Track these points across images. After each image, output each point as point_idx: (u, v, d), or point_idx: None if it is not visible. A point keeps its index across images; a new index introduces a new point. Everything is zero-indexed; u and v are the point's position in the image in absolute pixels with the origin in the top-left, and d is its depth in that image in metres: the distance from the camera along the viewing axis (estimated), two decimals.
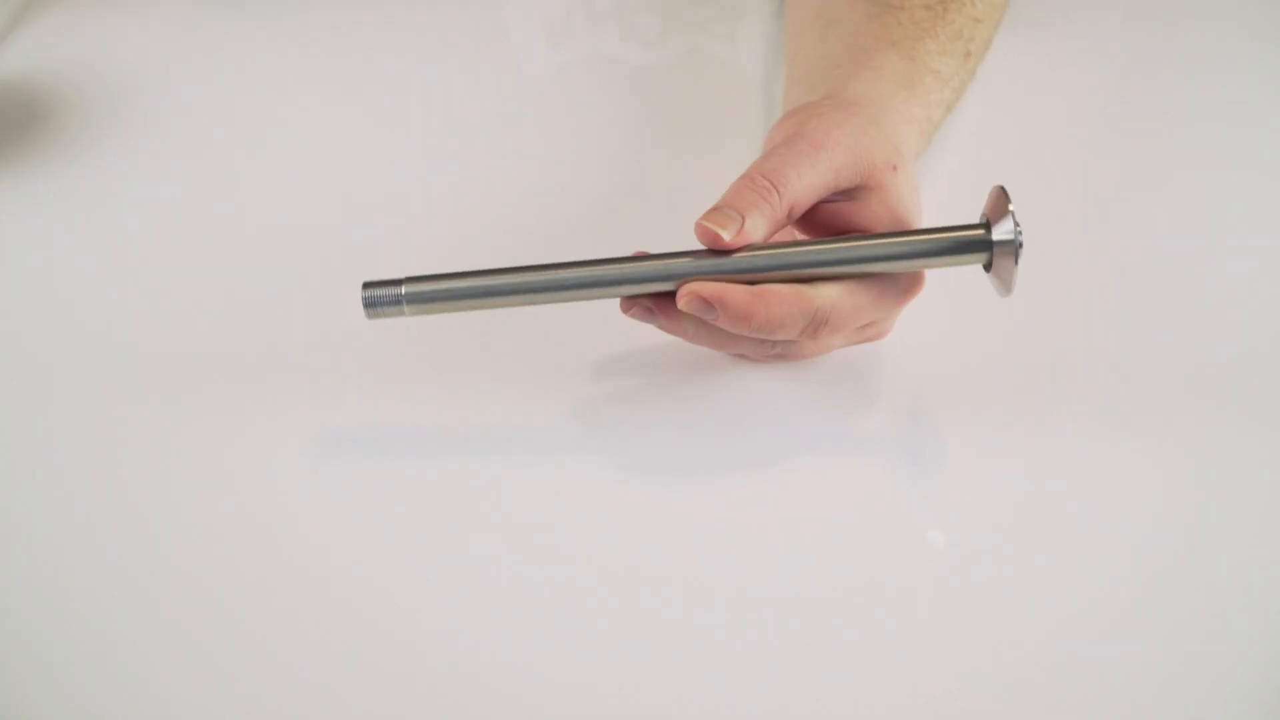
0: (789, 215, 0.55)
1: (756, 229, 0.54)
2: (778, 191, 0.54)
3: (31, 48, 0.78)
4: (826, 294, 0.54)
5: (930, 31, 0.65)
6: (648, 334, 0.59)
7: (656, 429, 0.59)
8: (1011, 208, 0.54)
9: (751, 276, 0.54)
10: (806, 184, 0.55)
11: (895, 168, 0.57)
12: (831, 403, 0.60)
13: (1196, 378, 0.61)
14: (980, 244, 0.54)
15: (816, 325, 0.54)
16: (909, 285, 0.57)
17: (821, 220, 0.58)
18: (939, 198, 0.66)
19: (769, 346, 0.57)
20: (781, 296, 0.54)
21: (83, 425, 0.59)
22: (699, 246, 0.55)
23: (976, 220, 0.55)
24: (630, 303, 0.55)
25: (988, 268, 0.55)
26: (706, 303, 0.54)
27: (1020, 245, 0.54)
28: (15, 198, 0.70)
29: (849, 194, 0.57)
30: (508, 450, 0.58)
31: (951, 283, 0.61)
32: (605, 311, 0.58)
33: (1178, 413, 0.59)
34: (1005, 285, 0.55)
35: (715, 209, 0.54)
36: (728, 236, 0.54)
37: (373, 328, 0.60)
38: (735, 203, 0.54)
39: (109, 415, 0.60)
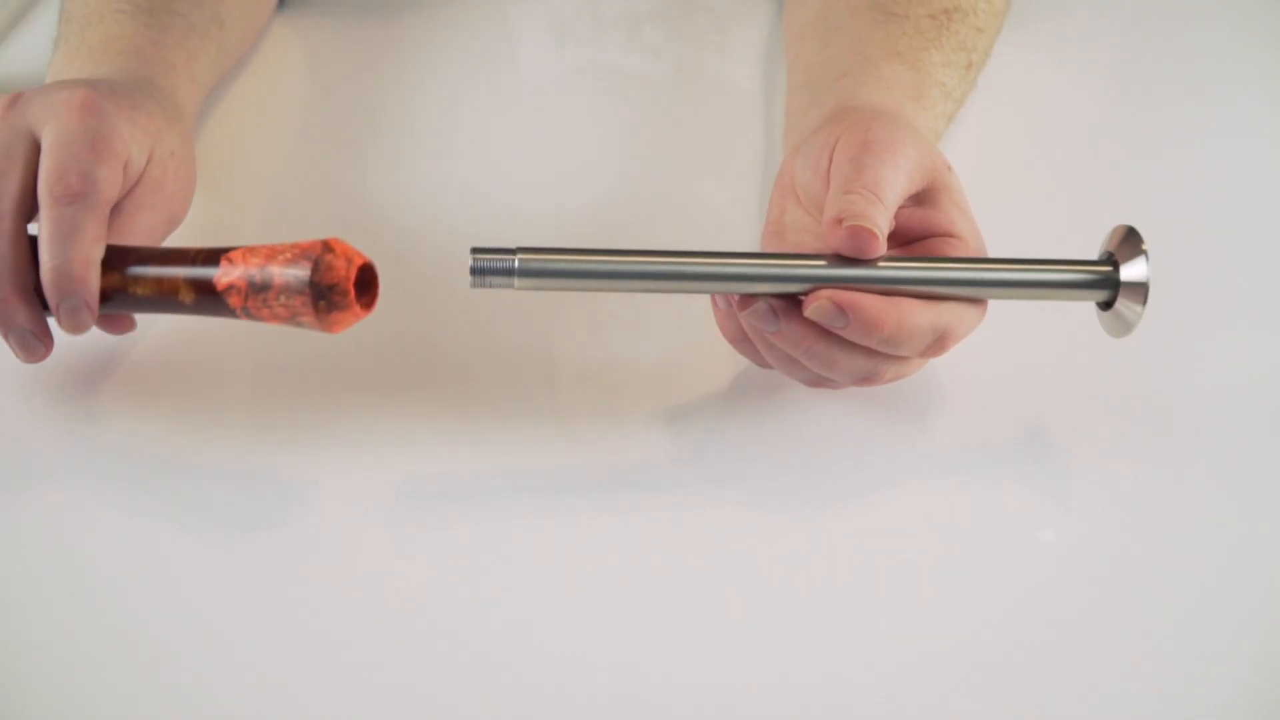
0: (891, 226, 0.55)
1: (884, 240, 0.53)
2: (884, 204, 0.53)
3: (31, 48, 0.78)
4: (951, 308, 0.53)
5: (935, 42, 0.65)
6: (675, 343, 0.58)
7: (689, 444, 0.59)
8: (1145, 248, 0.53)
9: (886, 289, 0.53)
10: (896, 193, 0.54)
11: (949, 167, 0.57)
12: (843, 412, 0.60)
13: (1196, 379, 0.61)
14: (1109, 283, 0.54)
15: (944, 341, 0.53)
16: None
17: (900, 227, 0.56)
18: None
19: (882, 363, 0.54)
20: (915, 306, 0.52)
21: (84, 426, 0.59)
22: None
23: (1098, 257, 0.55)
24: (750, 301, 0.53)
25: (1104, 306, 0.55)
26: (840, 309, 0.52)
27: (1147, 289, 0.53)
28: None
29: (918, 198, 0.56)
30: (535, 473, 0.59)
31: None
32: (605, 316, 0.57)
33: (1176, 413, 0.59)
34: (1126, 326, 0.54)
35: (850, 217, 0.52)
36: (881, 239, 0.52)
37: (373, 327, 0.60)
38: (862, 212, 0.53)
39: (110, 415, 0.60)
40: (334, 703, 0.50)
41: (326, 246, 0.52)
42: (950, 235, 0.55)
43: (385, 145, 0.73)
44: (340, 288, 0.52)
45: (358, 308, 0.53)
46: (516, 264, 0.53)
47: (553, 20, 0.80)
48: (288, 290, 0.52)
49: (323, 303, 0.52)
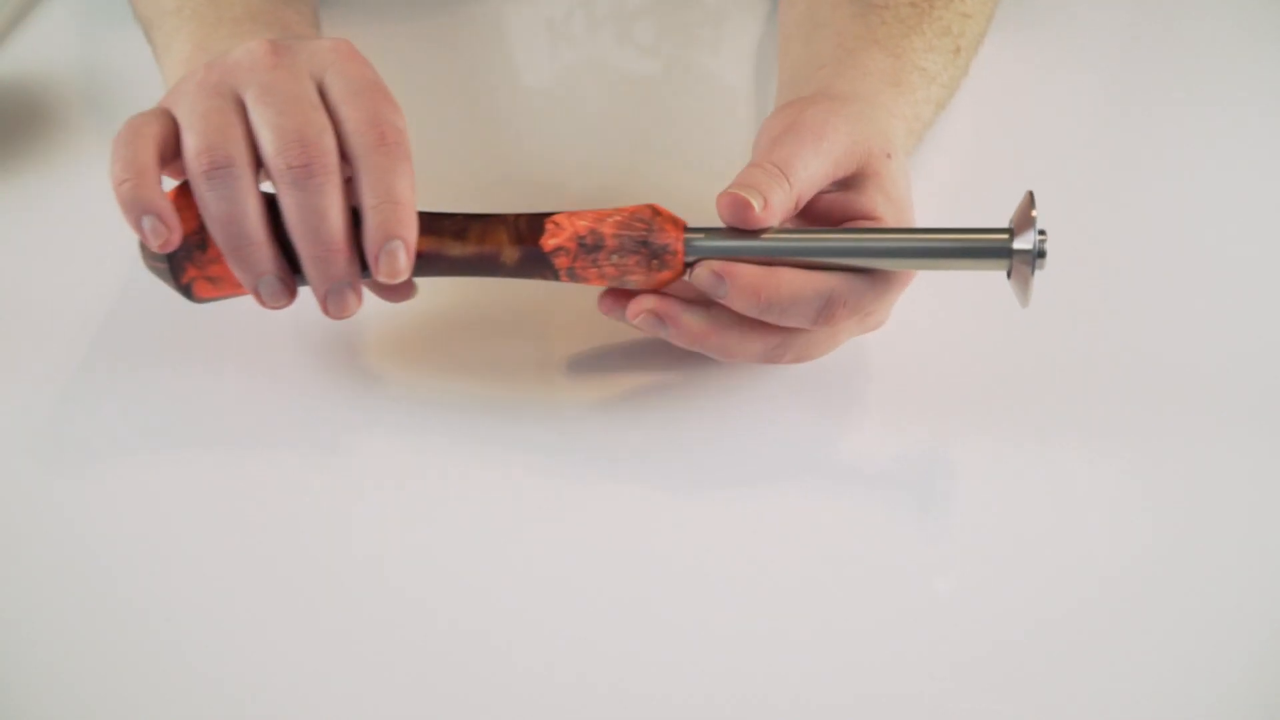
0: (796, 205, 0.55)
1: (775, 212, 0.54)
2: (789, 180, 0.54)
3: (31, 48, 0.79)
4: (836, 275, 0.54)
5: (916, 29, 0.64)
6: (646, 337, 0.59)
7: (657, 431, 0.59)
8: (1035, 213, 0.53)
9: (772, 259, 0.54)
10: (811, 174, 0.55)
11: (890, 155, 0.57)
12: (826, 406, 0.60)
13: (1194, 379, 0.61)
14: (1000, 250, 0.54)
15: (831, 308, 0.54)
16: (905, 274, 0.56)
17: (821, 210, 0.57)
18: (937, 199, 0.66)
19: (780, 344, 0.56)
20: (794, 274, 0.53)
21: (83, 427, 0.60)
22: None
23: (1004, 225, 0.55)
24: (638, 312, 0.55)
25: (1009, 275, 0.55)
26: (717, 276, 0.53)
27: (1039, 255, 0.53)
28: (15, 198, 0.70)
29: (845, 183, 0.57)
30: (498, 450, 0.59)
31: (944, 286, 0.61)
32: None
33: (1175, 414, 0.59)
34: (1022, 295, 0.54)
35: (736, 186, 0.54)
36: (757, 208, 0.53)
37: (365, 319, 0.60)
38: (755, 183, 0.54)
39: (111, 417, 0.60)
40: (326, 690, 0.51)
41: (655, 210, 0.55)
42: (870, 218, 0.56)
43: None
44: (671, 248, 0.55)
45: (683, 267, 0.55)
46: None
47: (546, 19, 0.80)
48: (621, 251, 0.55)
49: (655, 262, 0.55)
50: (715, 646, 0.52)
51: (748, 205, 0.53)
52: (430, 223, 0.56)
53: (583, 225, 0.55)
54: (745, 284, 0.53)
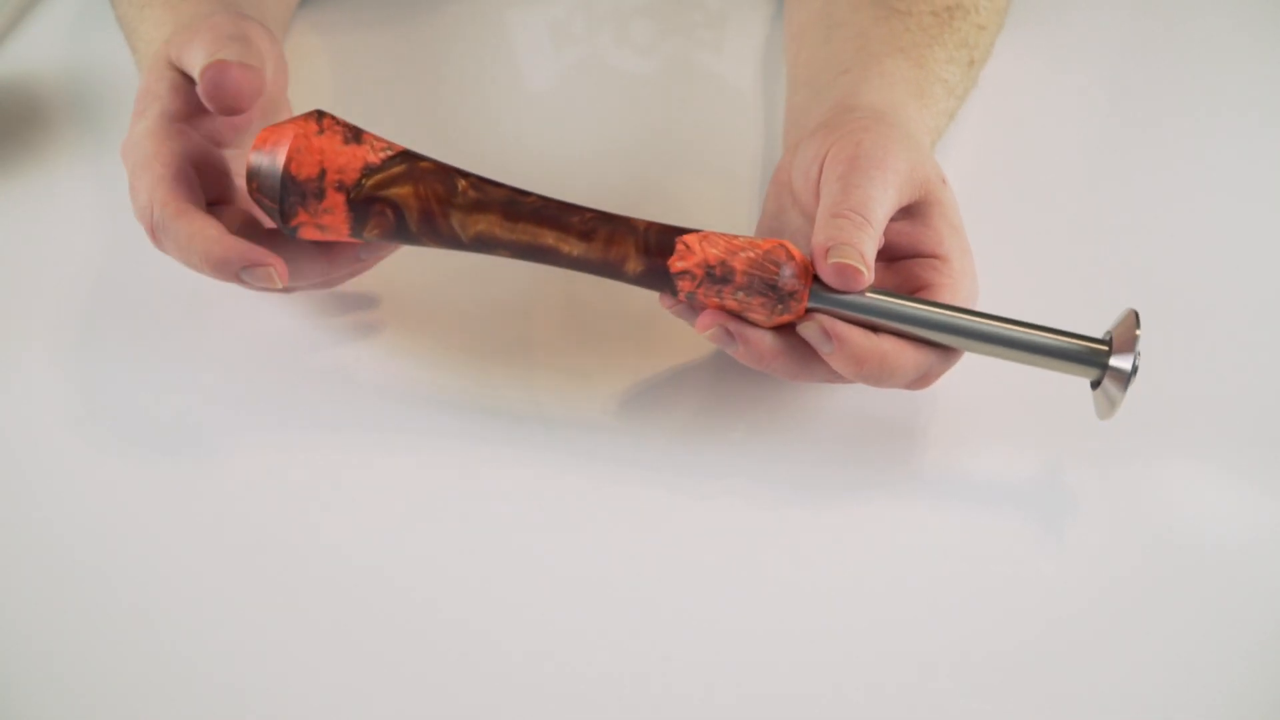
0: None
1: (872, 267, 0.53)
2: (873, 227, 0.53)
3: (31, 48, 0.78)
4: (936, 353, 0.54)
5: (938, 39, 0.64)
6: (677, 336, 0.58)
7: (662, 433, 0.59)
8: (1139, 333, 0.53)
9: (879, 322, 0.54)
10: (886, 212, 0.54)
11: (944, 181, 0.57)
12: (834, 415, 0.60)
13: (1196, 383, 0.61)
14: (1097, 363, 0.53)
15: (925, 381, 0.54)
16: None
17: (889, 243, 0.57)
18: None
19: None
20: (897, 347, 0.53)
21: (78, 425, 0.59)
22: None
23: (1102, 335, 0.54)
24: (709, 323, 0.54)
25: (1095, 385, 0.54)
26: (826, 335, 0.53)
27: (1133, 375, 0.53)
28: (15, 198, 0.70)
29: (908, 210, 0.57)
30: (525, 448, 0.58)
31: None
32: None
33: (1173, 413, 0.59)
34: (1109, 408, 0.54)
35: (836, 249, 0.53)
36: (866, 276, 0.53)
37: (360, 321, 0.60)
38: (851, 241, 0.53)
39: (106, 415, 0.60)
40: (321, 688, 0.51)
41: (788, 252, 0.54)
42: (936, 257, 0.56)
43: None
44: (798, 296, 0.53)
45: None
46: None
47: (549, 20, 0.80)
48: (749, 289, 0.53)
49: (779, 306, 0.53)
50: (724, 650, 0.52)
51: (858, 274, 0.52)
52: (557, 214, 0.55)
53: (714, 255, 0.54)
54: (852, 352, 0.53)
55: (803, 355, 0.54)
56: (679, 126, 0.74)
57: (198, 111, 0.59)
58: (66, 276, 0.66)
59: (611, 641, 0.53)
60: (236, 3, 0.64)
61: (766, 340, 0.54)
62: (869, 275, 0.53)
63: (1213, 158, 0.72)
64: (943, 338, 0.54)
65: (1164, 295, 0.64)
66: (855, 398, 0.60)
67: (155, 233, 0.56)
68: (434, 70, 0.77)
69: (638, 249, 0.54)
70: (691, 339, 0.61)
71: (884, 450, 0.58)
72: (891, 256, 0.57)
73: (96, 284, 0.65)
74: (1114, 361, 0.53)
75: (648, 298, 0.60)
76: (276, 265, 0.55)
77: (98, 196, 0.69)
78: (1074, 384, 0.58)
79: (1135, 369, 0.52)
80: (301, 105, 0.74)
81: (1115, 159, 0.73)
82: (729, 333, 0.54)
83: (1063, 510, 0.57)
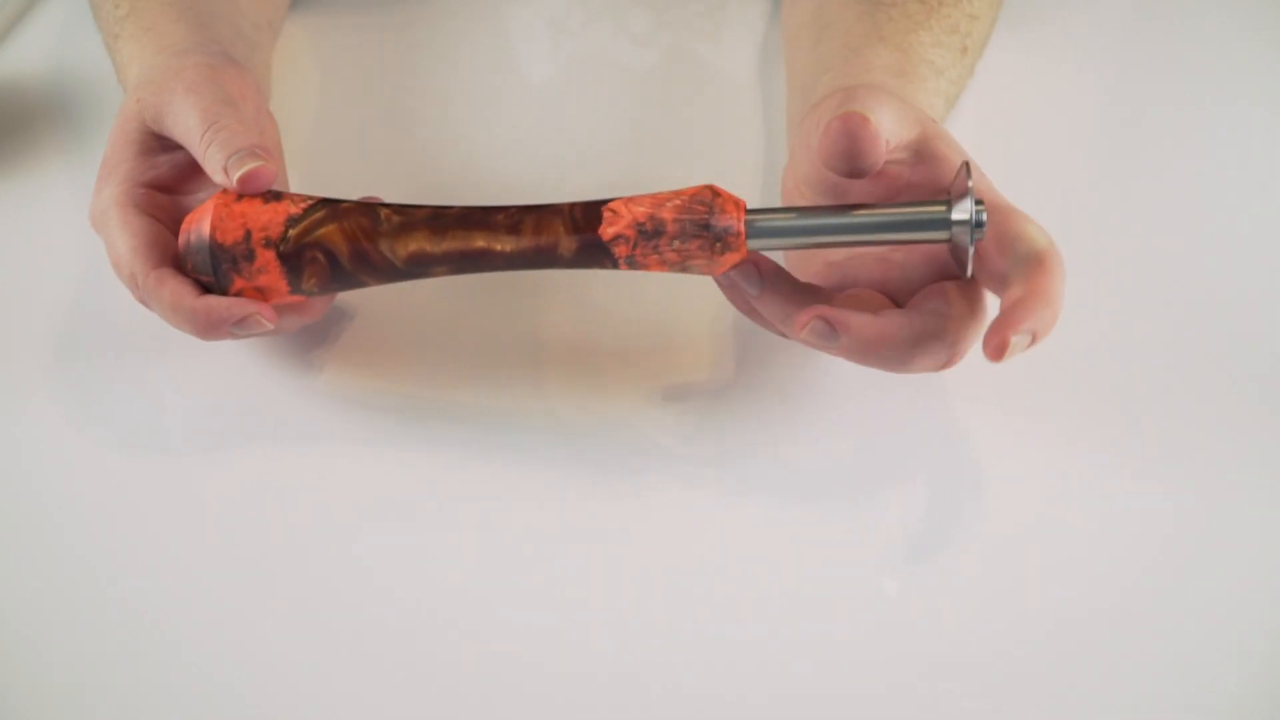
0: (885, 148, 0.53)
1: (885, 131, 0.52)
2: (874, 114, 0.52)
3: (31, 48, 0.79)
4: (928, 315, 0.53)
5: (924, 25, 0.64)
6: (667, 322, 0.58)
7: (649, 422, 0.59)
8: (971, 184, 0.52)
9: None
10: (886, 126, 0.52)
11: (936, 121, 0.56)
12: (833, 399, 0.60)
13: (1197, 378, 0.61)
14: (939, 222, 0.53)
15: (953, 355, 0.52)
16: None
17: (906, 183, 0.55)
18: None
19: (953, 346, 0.53)
20: (901, 322, 0.52)
21: (77, 427, 0.60)
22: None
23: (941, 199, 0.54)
24: (805, 321, 0.52)
25: (953, 249, 0.53)
26: (829, 325, 0.51)
27: (977, 225, 0.52)
28: (15, 198, 0.70)
29: (913, 156, 0.55)
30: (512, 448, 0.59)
31: None
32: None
33: (1172, 414, 0.59)
34: (962, 265, 0.53)
35: (843, 110, 0.51)
36: (874, 122, 0.51)
37: (359, 314, 0.60)
38: (861, 102, 0.52)
39: (104, 416, 0.60)
40: (321, 687, 0.51)
41: (714, 191, 0.54)
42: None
43: (380, 141, 0.73)
44: (734, 229, 0.53)
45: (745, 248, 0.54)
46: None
47: (546, 14, 0.80)
48: (683, 235, 0.53)
49: (718, 244, 0.53)
50: (722, 654, 0.52)
51: (865, 120, 0.51)
52: (482, 217, 0.55)
53: (641, 211, 0.54)
54: (863, 335, 0.51)
55: (916, 333, 0.51)
56: (677, 117, 0.74)
57: (166, 173, 0.60)
58: (65, 277, 0.66)
59: (628, 648, 0.53)
60: (210, 24, 0.64)
61: (867, 322, 0.51)
62: (877, 129, 0.51)
63: (1213, 156, 0.71)
64: (819, 240, 0.53)
65: (1164, 293, 0.64)
66: (870, 403, 0.59)
67: (140, 299, 0.57)
68: (431, 63, 0.77)
69: (567, 229, 0.54)
70: (698, 342, 0.61)
71: (896, 452, 0.58)
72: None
73: (95, 284, 0.65)
74: (955, 215, 0.52)
75: (657, 302, 0.60)
76: (261, 309, 0.56)
77: (88, 201, 0.70)
78: (1075, 384, 0.59)
79: (979, 219, 0.51)
80: (298, 99, 0.75)
81: (1115, 157, 0.73)
82: (829, 323, 0.51)
83: (1063, 510, 0.56)
